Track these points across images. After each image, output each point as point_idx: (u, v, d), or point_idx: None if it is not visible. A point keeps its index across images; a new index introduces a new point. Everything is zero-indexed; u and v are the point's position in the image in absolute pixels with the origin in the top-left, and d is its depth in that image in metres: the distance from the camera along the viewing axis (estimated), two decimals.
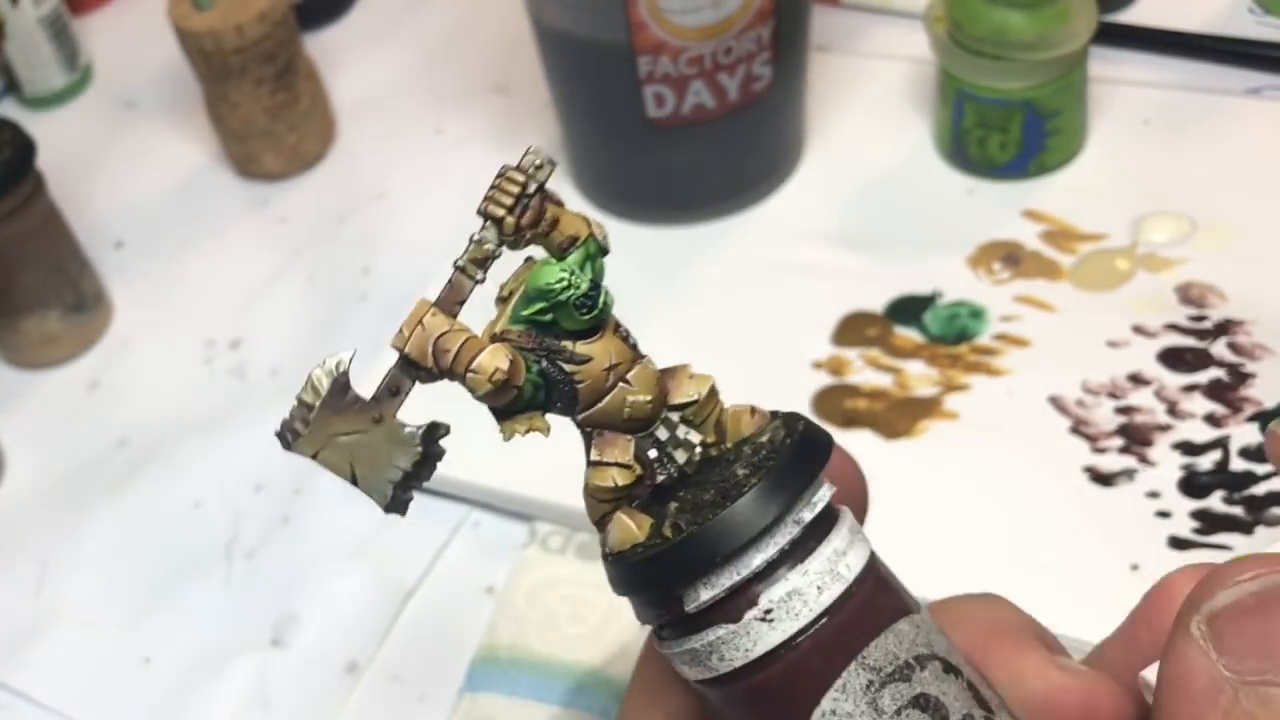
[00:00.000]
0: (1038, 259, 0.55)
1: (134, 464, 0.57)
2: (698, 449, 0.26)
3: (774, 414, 0.27)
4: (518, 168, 0.26)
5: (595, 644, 0.47)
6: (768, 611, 0.24)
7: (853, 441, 0.50)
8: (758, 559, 0.24)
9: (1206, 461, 0.47)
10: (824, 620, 0.24)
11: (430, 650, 0.49)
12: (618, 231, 0.60)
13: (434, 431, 0.26)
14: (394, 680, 0.48)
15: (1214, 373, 0.49)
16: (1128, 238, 0.55)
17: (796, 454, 0.25)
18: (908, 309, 0.54)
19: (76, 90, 0.75)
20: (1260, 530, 0.45)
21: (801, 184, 0.60)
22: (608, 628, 0.48)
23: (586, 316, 0.25)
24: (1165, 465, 0.47)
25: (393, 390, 0.25)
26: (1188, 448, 0.48)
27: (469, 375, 0.24)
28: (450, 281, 0.25)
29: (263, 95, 0.64)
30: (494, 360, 0.24)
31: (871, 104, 0.63)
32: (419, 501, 0.57)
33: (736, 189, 0.59)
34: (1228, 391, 0.49)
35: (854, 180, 0.60)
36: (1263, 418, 0.48)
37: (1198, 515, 0.46)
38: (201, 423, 0.58)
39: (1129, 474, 0.47)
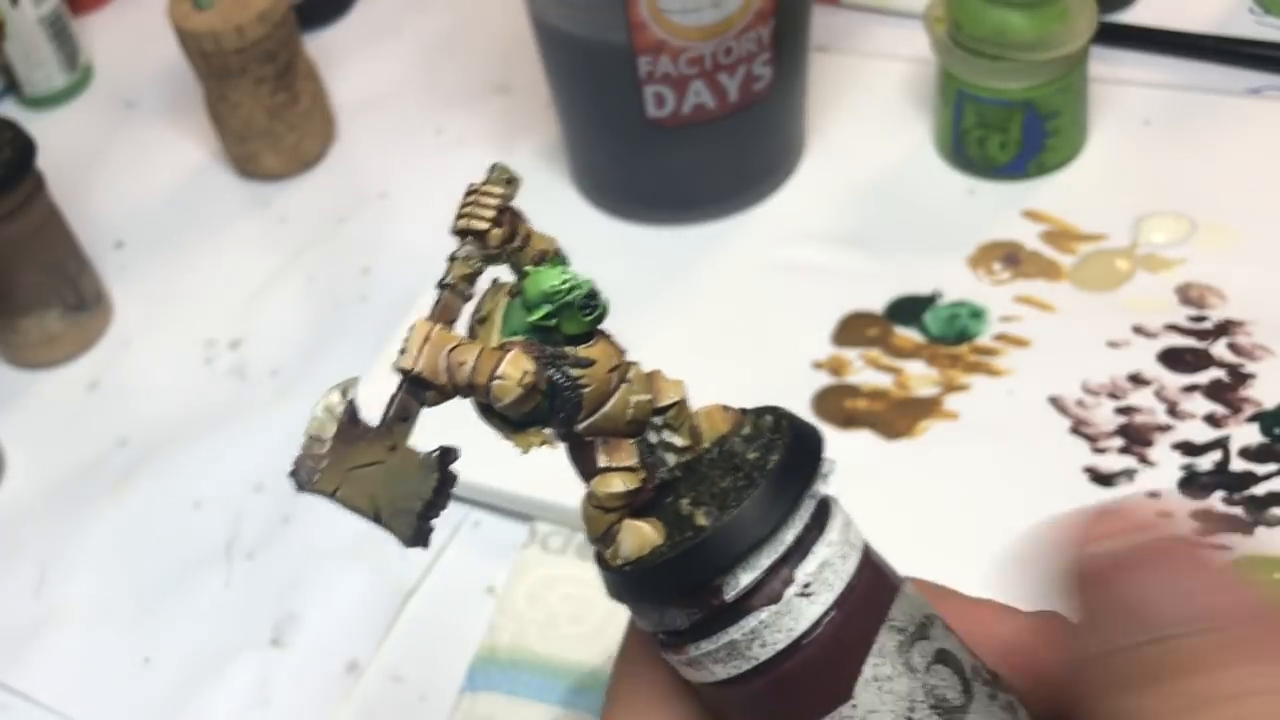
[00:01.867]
0: (1038, 259, 0.55)
1: (134, 464, 0.57)
2: (679, 452, 0.26)
3: (744, 410, 0.27)
4: (488, 181, 0.25)
5: (595, 644, 0.47)
6: (807, 585, 0.24)
7: (853, 442, 0.50)
8: (790, 535, 0.24)
9: (1206, 462, 0.47)
10: (854, 586, 0.24)
11: (430, 650, 0.49)
12: (618, 231, 0.61)
13: (447, 456, 0.25)
14: (394, 680, 0.48)
15: (1214, 373, 0.49)
16: (1128, 238, 0.55)
17: (801, 430, 0.25)
18: (908, 309, 0.54)
19: (76, 90, 0.75)
20: (1260, 530, 0.45)
21: (801, 184, 0.60)
22: (608, 628, 0.48)
23: (589, 317, 0.24)
24: (1165, 465, 0.47)
25: (402, 416, 0.24)
26: (1188, 448, 0.48)
27: (495, 384, 0.24)
28: (440, 301, 0.25)
29: (263, 95, 0.64)
30: (520, 364, 0.24)
31: (871, 104, 0.63)
32: None
33: (736, 189, 0.59)
34: (1228, 392, 0.49)
35: (854, 180, 0.60)
36: (1263, 419, 0.48)
37: (1198, 515, 0.46)
38: (201, 423, 0.58)
39: (1129, 474, 0.47)
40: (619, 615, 0.53)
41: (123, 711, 0.49)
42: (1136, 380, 0.50)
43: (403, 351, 0.24)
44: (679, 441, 0.26)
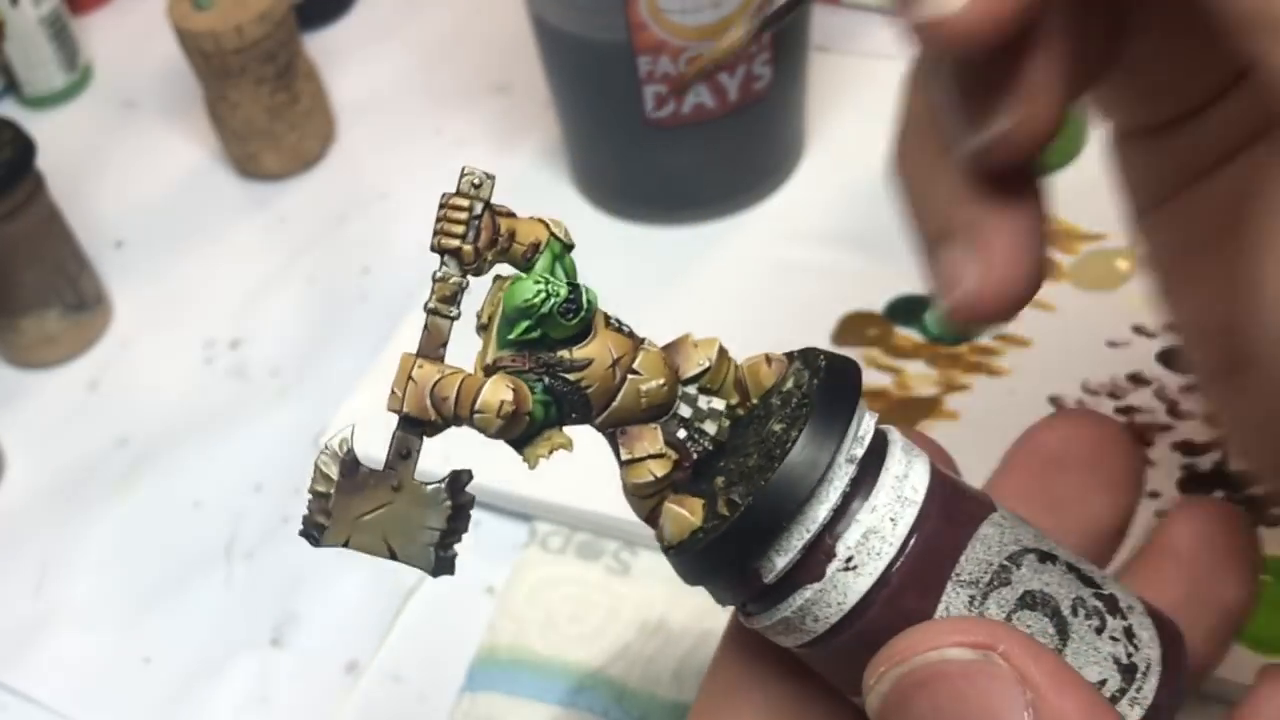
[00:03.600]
0: None
1: (134, 464, 0.57)
2: (724, 415, 0.25)
3: (790, 355, 0.26)
4: (458, 193, 0.25)
5: (595, 644, 0.47)
6: (849, 560, 0.23)
7: None
8: (823, 510, 0.23)
9: (1206, 462, 0.47)
10: (907, 549, 0.23)
11: (430, 650, 0.49)
12: (618, 231, 0.61)
13: (458, 481, 0.25)
14: (394, 680, 0.48)
15: None
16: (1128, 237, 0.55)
17: (828, 391, 0.24)
18: (908, 309, 0.54)
19: (76, 90, 0.75)
20: (1259, 530, 0.45)
21: (801, 184, 0.60)
22: (608, 628, 0.48)
23: (574, 321, 0.24)
24: (1165, 465, 0.47)
25: (403, 453, 0.24)
26: (1188, 448, 0.48)
27: (476, 417, 0.24)
28: (426, 327, 0.25)
29: (263, 95, 0.64)
30: (496, 394, 0.23)
31: (871, 104, 0.63)
32: None
33: (736, 189, 0.59)
34: None
35: (854, 180, 0.60)
36: None
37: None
38: (201, 423, 0.58)
39: None
40: (619, 615, 0.53)
41: (123, 711, 0.49)
42: (1136, 380, 0.50)
43: (391, 393, 0.24)
44: (721, 404, 0.25)
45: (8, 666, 0.51)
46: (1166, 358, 0.50)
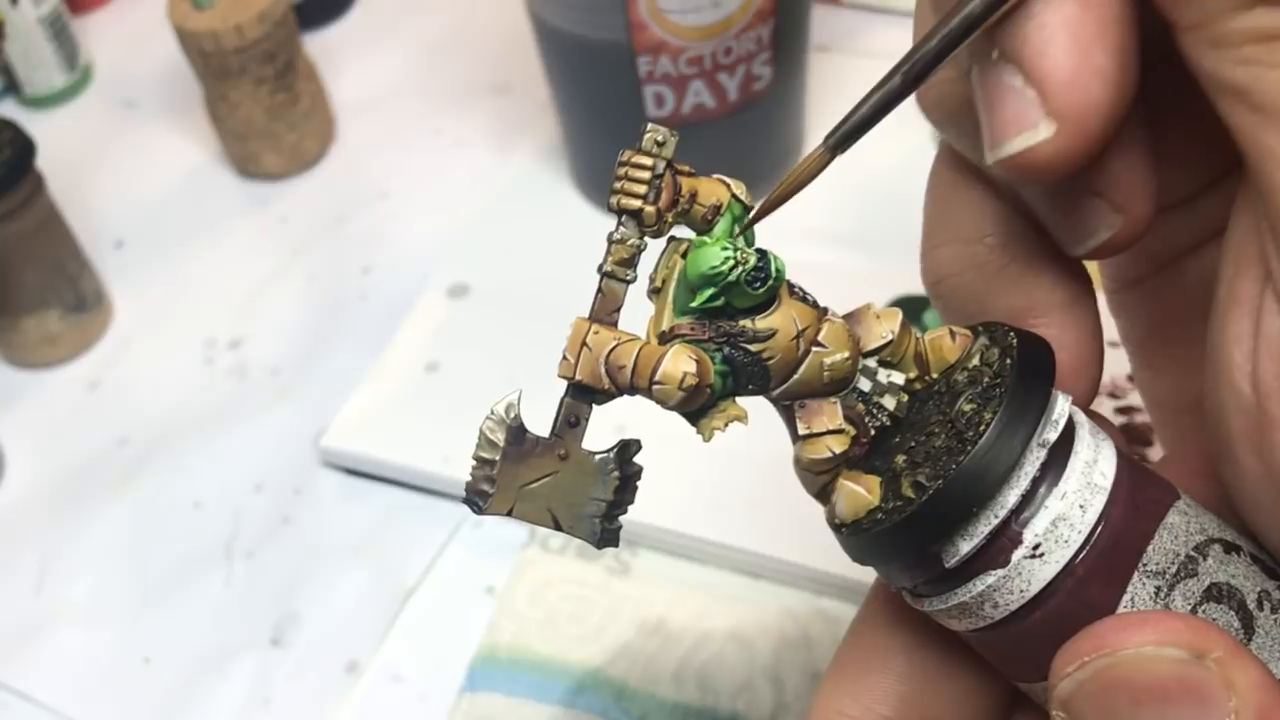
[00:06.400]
0: None
1: (134, 464, 0.57)
2: (903, 390, 0.24)
3: (975, 330, 0.25)
4: (640, 150, 0.24)
5: (595, 644, 0.47)
6: (1036, 547, 0.22)
7: None
8: (1013, 496, 0.22)
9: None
10: (1095, 538, 0.22)
11: (430, 650, 0.49)
12: None
13: (626, 451, 0.24)
14: (394, 680, 0.48)
15: None
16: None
17: (1023, 373, 0.23)
18: (908, 309, 0.54)
19: (76, 90, 0.75)
20: None
21: None
22: (608, 628, 0.48)
23: (761, 290, 0.23)
24: None
25: (572, 421, 0.23)
26: None
27: (656, 388, 0.22)
28: (600, 290, 0.23)
29: (263, 95, 0.64)
30: (679, 365, 0.22)
31: None
32: (419, 501, 0.57)
33: None
34: None
35: (854, 180, 0.60)
36: None
37: None
38: (201, 423, 0.58)
39: None
40: (619, 615, 0.53)
41: (123, 711, 0.49)
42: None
43: (563, 359, 0.23)
44: (900, 379, 0.24)
45: (8, 666, 0.51)
46: None
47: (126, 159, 0.71)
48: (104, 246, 0.65)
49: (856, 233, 0.58)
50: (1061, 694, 0.22)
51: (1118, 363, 0.50)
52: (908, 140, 0.61)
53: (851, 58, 0.65)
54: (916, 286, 0.55)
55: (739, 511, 0.48)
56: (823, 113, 0.62)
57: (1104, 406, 0.49)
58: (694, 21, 0.53)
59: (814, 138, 0.62)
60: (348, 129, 0.69)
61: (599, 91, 0.57)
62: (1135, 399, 0.49)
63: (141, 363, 0.61)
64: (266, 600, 0.51)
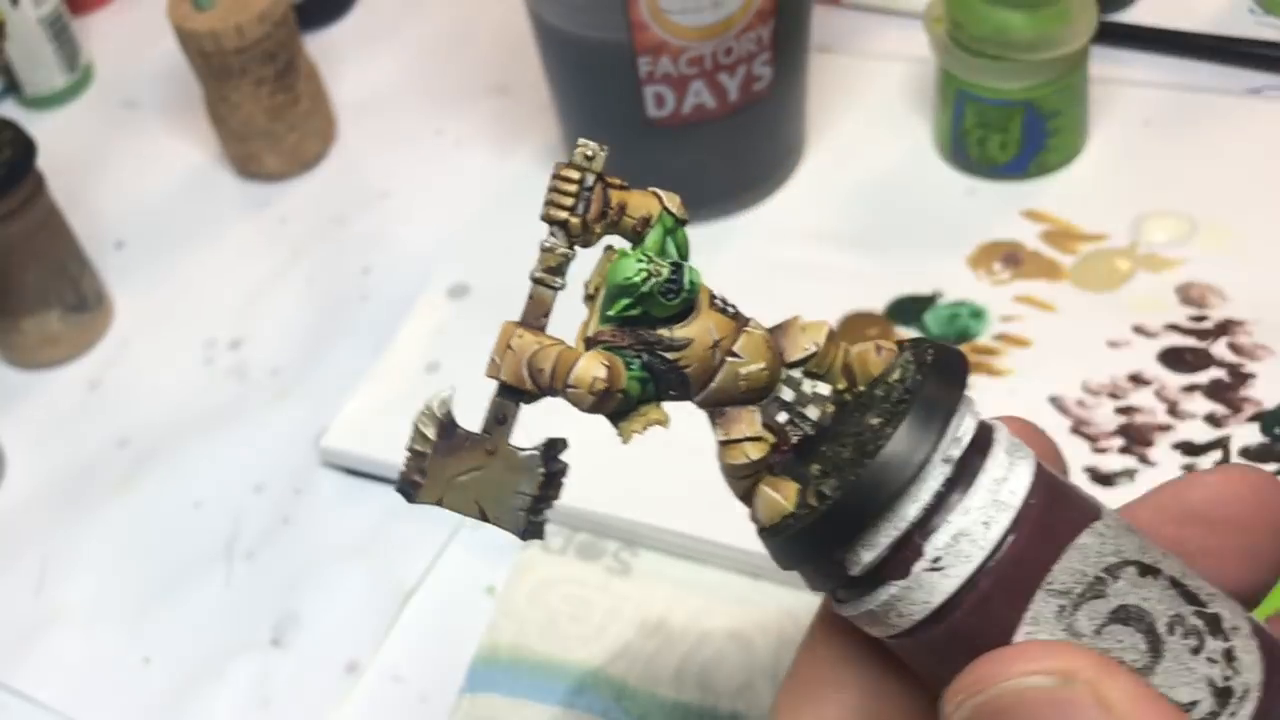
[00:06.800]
0: (1038, 259, 0.55)
1: (134, 464, 0.57)
2: (829, 400, 0.25)
3: (901, 345, 0.25)
4: (569, 164, 0.25)
5: (595, 644, 0.47)
6: (936, 560, 0.23)
7: None
8: (913, 509, 0.23)
9: (1207, 462, 0.47)
10: (998, 555, 0.23)
11: (430, 650, 0.49)
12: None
13: (552, 449, 0.25)
14: (394, 680, 0.48)
15: (1214, 373, 0.49)
16: (1128, 238, 0.55)
17: (930, 387, 0.23)
18: (908, 309, 0.54)
19: (76, 90, 0.75)
20: None
21: (802, 184, 0.60)
22: (608, 628, 0.48)
23: (675, 301, 0.24)
24: (1166, 465, 0.47)
25: (499, 419, 0.25)
26: (1188, 448, 0.48)
27: (569, 391, 0.24)
28: (530, 295, 0.25)
29: (263, 95, 0.64)
30: (590, 370, 0.23)
31: (871, 104, 0.63)
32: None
33: (736, 189, 0.59)
34: (1228, 392, 0.49)
35: (854, 180, 0.60)
36: (1263, 419, 0.48)
37: None
38: (201, 423, 0.58)
39: (1129, 474, 0.47)
40: (619, 615, 0.53)
41: (123, 711, 0.49)
42: (1137, 380, 0.50)
43: (490, 360, 0.24)
44: (826, 389, 0.25)
45: (8, 666, 0.51)
46: (1167, 358, 0.50)
47: (127, 159, 0.71)
48: (104, 247, 0.65)
49: (856, 233, 0.58)
50: None
51: (1118, 362, 0.51)
52: (908, 140, 0.61)
53: (851, 58, 0.65)
54: (916, 286, 0.55)
55: (739, 511, 0.48)
56: (823, 113, 0.62)
57: (1104, 407, 0.49)
58: (694, 22, 0.53)
59: (814, 138, 0.62)
60: (348, 129, 0.69)
61: (599, 91, 0.57)
62: (1135, 399, 0.49)
63: (142, 363, 0.61)
64: (266, 601, 0.51)
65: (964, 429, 0.23)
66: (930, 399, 0.23)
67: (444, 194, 0.65)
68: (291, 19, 0.64)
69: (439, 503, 0.25)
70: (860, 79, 0.64)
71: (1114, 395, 0.50)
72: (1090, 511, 0.24)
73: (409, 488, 0.25)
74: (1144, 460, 0.47)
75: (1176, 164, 0.57)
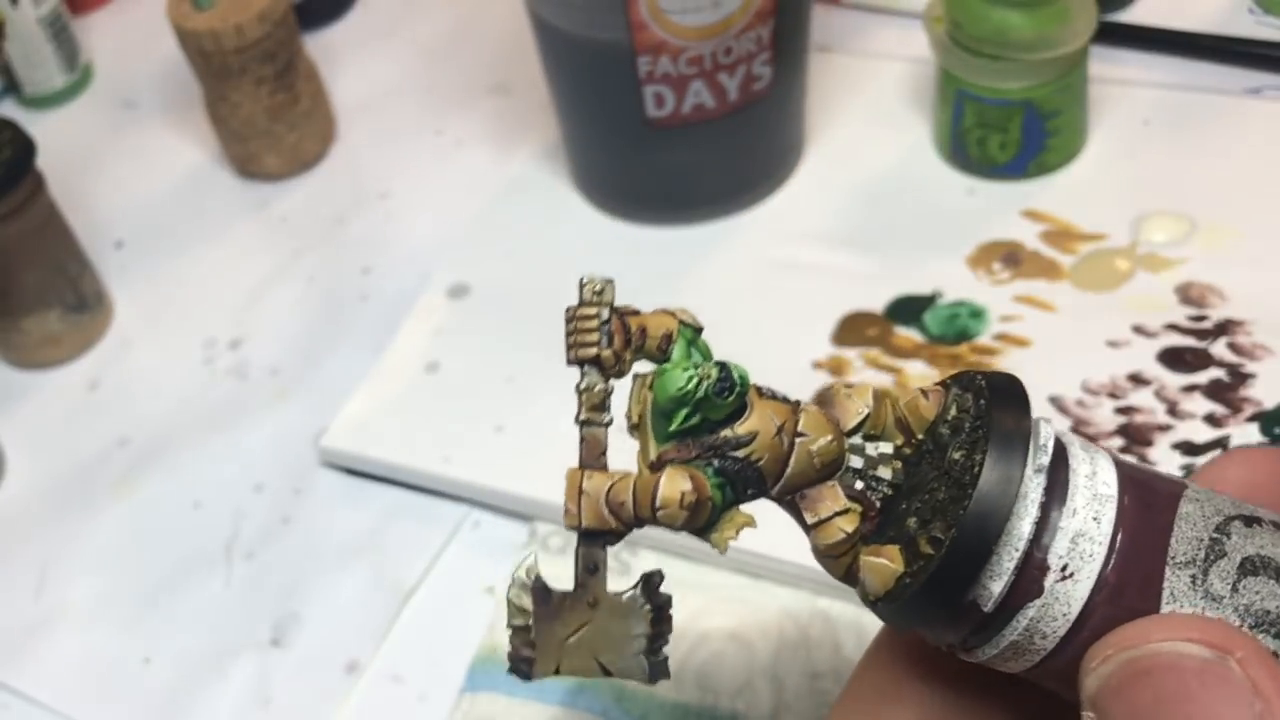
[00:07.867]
0: (1038, 259, 0.55)
1: (134, 464, 0.57)
2: (894, 458, 0.25)
3: (945, 384, 0.26)
4: (582, 303, 0.25)
5: None
6: (1064, 568, 0.23)
7: None
8: (1026, 525, 0.23)
9: (1207, 461, 0.47)
10: (1118, 545, 0.23)
11: (430, 650, 0.49)
12: (618, 231, 0.61)
13: (651, 582, 0.25)
14: (394, 680, 0.48)
15: (1214, 373, 0.50)
16: (1128, 238, 0.55)
17: (999, 409, 0.24)
18: (908, 309, 0.54)
19: (76, 90, 0.75)
20: None
21: (801, 184, 0.60)
22: None
23: (730, 399, 0.24)
24: (1165, 465, 0.47)
25: (590, 568, 0.25)
26: (1188, 448, 0.48)
27: (660, 513, 0.24)
28: (582, 438, 0.25)
29: (263, 95, 0.64)
30: (675, 486, 0.24)
31: (871, 104, 0.63)
32: (418, 501, 0.57)
33: (736, 189, 0.59)
34: (1228, 391, 0.49)
35: (854, 180, 0.60)
36: (1263, 419, 0.48)
37: None
38: (201, 423, 0.58)
39: None
40: None
41: (123, 711, 0.49)
42: (1136, 380, 0.50)
43: (566, 511, 0.24)
44: (889, 447, 0.25)
45: (8, 666, 0.51)
46: (1166, 358, 0.50)
47: (126, 159, 0.71)
48: (104, 247, 0.65)
49: (856, 232, 0.58)
50: (1089, 690, 0.22)
51: (1117, 362, 0.51)
52: (907, 140, 0.61)
53: (851, 57, 0.65)
54: (916, 286, 0.55)
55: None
56: (823, 112, 0.62)
57: (1104, 406, 0.49)
58: (694, 21, 0.53)
59: (814, 137, 0.62)
60: (348, 129, 0.69)
61: (599, 91, 0.57)
62: (1135, 399, 0.49)
63: (141, 363, 0.61)
64: (266, 600, 0.51)
65: (1044, 436, 0.24)
66: (1004, 419, 0.24)
67: (444, 194, 0.65)
68: (291, 19, 0.64)
69: (558, 671, 0.25)
70: (860, 79, 0.64)
71: (1114, 395, 0.50)
72: (1177, 482, 0.24)
73: (523, 665, 0.25)
74: (1144, 460, 0.47)
75: (1176, 164, 0.57)
